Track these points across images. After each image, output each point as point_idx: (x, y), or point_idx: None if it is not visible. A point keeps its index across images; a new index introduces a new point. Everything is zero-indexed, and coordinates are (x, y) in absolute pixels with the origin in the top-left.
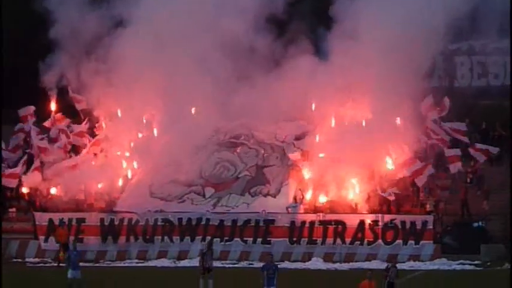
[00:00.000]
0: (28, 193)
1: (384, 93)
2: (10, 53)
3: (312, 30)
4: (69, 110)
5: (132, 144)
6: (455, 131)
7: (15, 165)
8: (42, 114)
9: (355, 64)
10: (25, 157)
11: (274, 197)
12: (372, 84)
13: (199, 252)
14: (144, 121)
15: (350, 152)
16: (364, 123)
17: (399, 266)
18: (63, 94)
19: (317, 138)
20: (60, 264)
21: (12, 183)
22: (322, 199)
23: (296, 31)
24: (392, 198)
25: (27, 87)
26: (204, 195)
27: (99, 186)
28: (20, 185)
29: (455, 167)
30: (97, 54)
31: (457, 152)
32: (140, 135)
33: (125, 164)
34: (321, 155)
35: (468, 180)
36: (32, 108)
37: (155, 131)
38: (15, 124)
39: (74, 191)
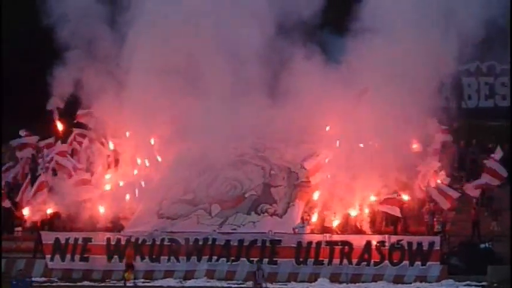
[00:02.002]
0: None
1: (394, 112)
2: (14, 66)
3: (324, 43)
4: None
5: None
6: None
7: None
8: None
9: (367, 82)
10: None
11: (281, 217)
12: (382, 104)
13: (250, 273)
14: (152, 142)
15: (358, 172)
16: (371, 143)
17: (406, 287)
18: (68, 112)
19: (326, 160)
20: (127, 284)
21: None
22: (335, 222)
23: (308, 42)
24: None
25: (29, 105)
26: (210, 214)
27: (105, 206)
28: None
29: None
30: (106, 69)
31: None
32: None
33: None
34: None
35: (474, 200)
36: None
37: (159, 158)
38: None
39: (79, 211)
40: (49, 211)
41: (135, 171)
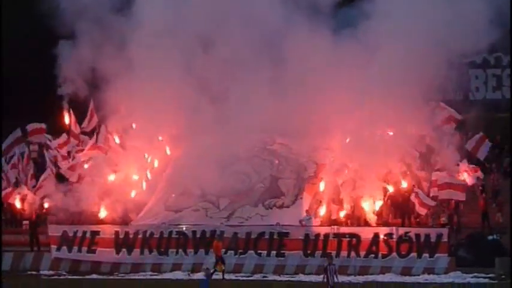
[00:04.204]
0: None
1: (399, 105)
2: (17, 60)
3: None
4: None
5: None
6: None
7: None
8: (51, 128)
9: (372, 76)
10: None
11: (288, 207)
12: (388, 96)
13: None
14: (160, 138)
15: (365, 164)
16: (378, 136)
17: (414, 279)
18: (75, 106)
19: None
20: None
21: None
22: (342, 213)
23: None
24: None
25: (36, 99)
26: (218, 207)
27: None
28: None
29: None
30: (113, 61)
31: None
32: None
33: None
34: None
35: (479, 193)
36: (43, 125)
37: (167, 150)
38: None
39: (87, 204)
40: (46, 206)
41: (156, 163)
